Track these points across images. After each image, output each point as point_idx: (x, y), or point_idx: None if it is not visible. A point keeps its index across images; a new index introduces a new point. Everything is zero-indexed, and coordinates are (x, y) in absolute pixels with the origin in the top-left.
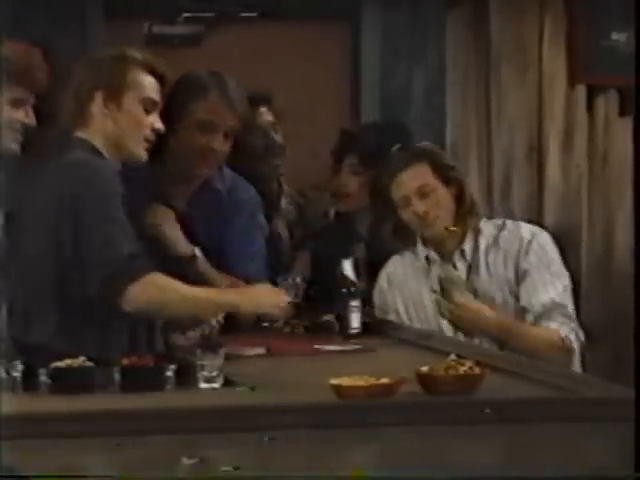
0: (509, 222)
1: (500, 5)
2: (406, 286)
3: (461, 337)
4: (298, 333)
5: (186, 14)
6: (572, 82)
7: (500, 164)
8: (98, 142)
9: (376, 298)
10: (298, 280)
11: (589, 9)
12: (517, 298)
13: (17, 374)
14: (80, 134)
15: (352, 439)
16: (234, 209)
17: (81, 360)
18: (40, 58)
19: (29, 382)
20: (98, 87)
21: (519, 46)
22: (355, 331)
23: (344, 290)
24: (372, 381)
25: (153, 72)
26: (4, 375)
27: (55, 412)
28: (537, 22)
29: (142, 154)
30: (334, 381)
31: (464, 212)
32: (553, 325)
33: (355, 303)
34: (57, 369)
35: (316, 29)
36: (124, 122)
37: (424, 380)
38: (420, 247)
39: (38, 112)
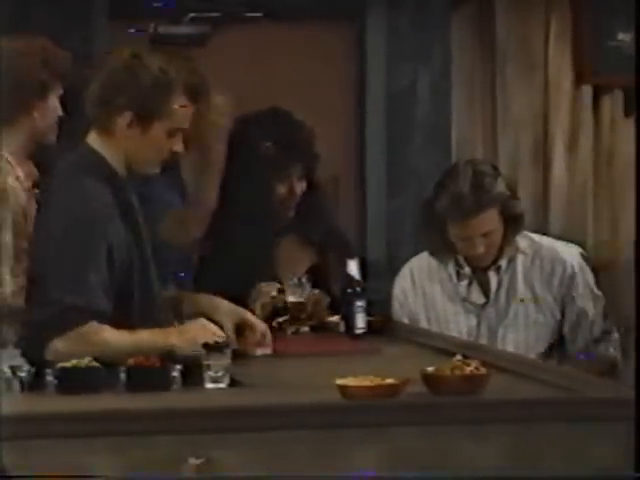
0: (544, 239)
1: (505, 5)
2: (429, 292)
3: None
4: (303, 333)
5: (192, 14)
6: (578, 82)
7: (506, 164)
8: (112, 153)
9: (397, 297)
10: (303, 280)
11: (595, 9)
12: (558, 322)
13: (23, 374)
14: (92, 142)
15: (358, 439)
16: None
17: (87, 360)
18: (52, 47)
19: (36, 382)
20: (130, 107)
21: (525, 46)
22: (361, 331)
23: (349, 290)
24: (378, 381)
25: (193, 95)
26: (10, 375)
27: (61, 412)
28: (543, 22)
29: (154, 171)
30: (340, 381)
31: (513, 236)
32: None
33: (360, 303)
34: (63, 369)
35: (321, 29)
36: (144, 147)
37: (430, 380)
38: (453, 262)
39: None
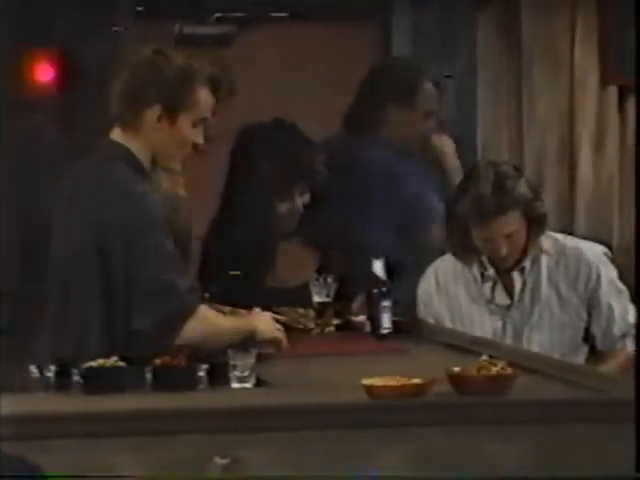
0: (568, 239)
1: (531, 5)
2: (453, 294)
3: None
4: (329, 333)
5: (217, 14)
6: (604, 83)
7: (531, 164)
8: (139, 148)
9: (421, 298)
10: (329, 280)
11: (620, 10)
12: (584, 321)
13: (50, 374)
14: (116, 138)
15: (383, 439)
16: None
17: (113, 360)
18: None
19: (62, 382)
20: (159, 101)
21: (550, 47)
22: (387, 331)
23: (375, 290)
24: (404, 381)
25: (215, 86)
26: (37, 375)
27: (87, 412)
28: (568, 23)
29: (177, 166)
30: (366, 381)
31: (536, 237)
32: (629, 348)
33: (386, 303)
34: (90, 369)
35: (346, 29)
36: (172, 139)
37: (456, 380)
38: (477, 263)
39: None
